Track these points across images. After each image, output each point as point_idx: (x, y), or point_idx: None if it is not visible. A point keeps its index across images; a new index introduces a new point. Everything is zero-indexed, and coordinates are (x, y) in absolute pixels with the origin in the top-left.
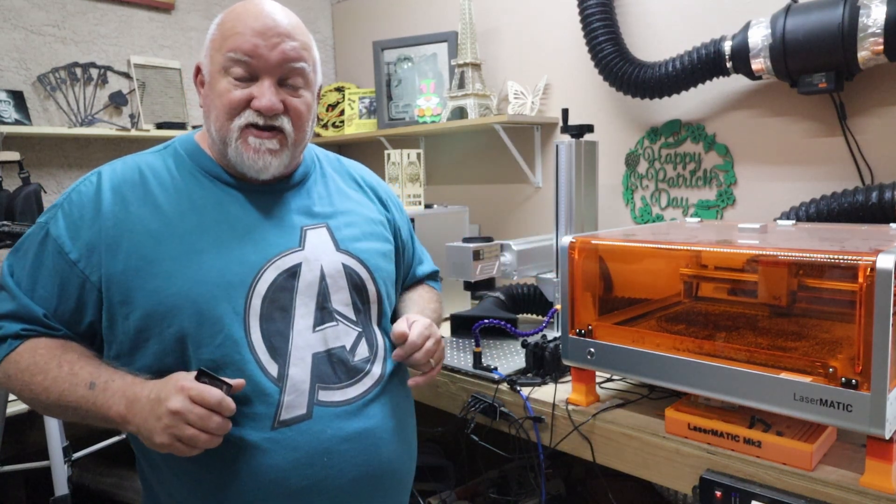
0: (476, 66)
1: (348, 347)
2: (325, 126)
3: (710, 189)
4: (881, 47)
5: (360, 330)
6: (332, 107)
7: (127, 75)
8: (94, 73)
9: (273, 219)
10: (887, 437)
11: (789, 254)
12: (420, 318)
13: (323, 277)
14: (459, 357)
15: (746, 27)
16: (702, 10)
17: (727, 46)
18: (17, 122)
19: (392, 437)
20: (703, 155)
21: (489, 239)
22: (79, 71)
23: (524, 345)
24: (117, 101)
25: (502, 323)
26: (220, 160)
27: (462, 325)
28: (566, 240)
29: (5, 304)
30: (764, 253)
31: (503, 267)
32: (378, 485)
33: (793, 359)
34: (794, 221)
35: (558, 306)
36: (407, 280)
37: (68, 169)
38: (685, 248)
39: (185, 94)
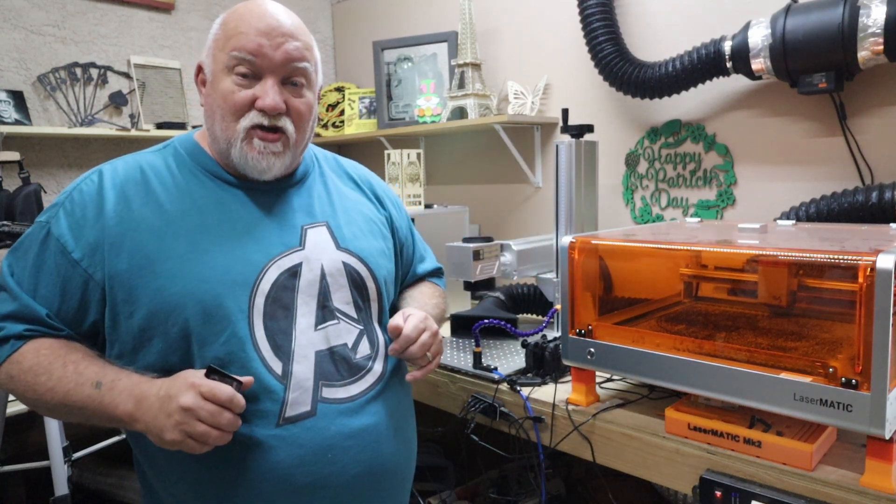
0: (476, 66)
1: (350, 345)
2: (325, 126)
3: (710, 189)
4: (881, 47)
5: (361, 328)
6: (332, 107)
7: (127, 75)
8: (94, 73)
9: (274, 218)
10: (887, 437)
11: (789, 254)
12: (416, 311)
13: (323, 276)
14: (459, 357)
15: (746, 27)
16: (702, 10)
17: (727, 46)
18: (17, 122)
19: (394, 434)
20: (703, 155)
21: (489, 239)
22: (79, 71)
23: (524, 345)
24: (117, 101)
25: (502, 323)
26: (221, 159)
27: (462, 325)
28: (566, 240)
29: (6, 305)
30: (764, 253)
31: (503, 267)
32: (380, 481)
33: (793, 359)
34: (794, 221)
35: (558, 306)
36: (408, 278)
37: (68, 169)
38: (685, 248)
39: (185, 94)
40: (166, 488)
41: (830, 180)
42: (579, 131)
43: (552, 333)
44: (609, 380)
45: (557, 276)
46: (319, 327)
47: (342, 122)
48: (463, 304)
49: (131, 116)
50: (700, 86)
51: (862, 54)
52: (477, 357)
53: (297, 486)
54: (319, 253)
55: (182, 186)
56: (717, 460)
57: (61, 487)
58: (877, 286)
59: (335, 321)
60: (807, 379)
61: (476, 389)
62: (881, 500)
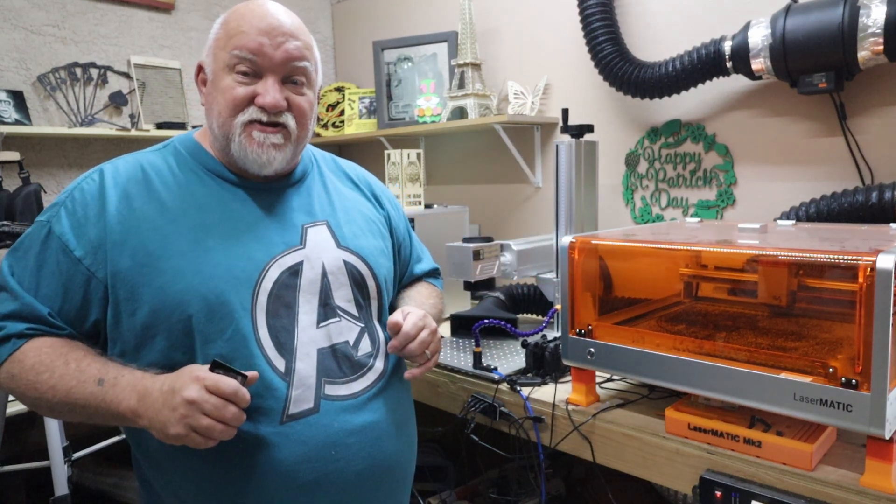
0: (476, 66)
1: (351, 343)
2: (325, 126)
3: (710, 189)
4: (881, 47)
5: (362, 325)
6: (332, 107)
7: (127, 75)
8: (94, 73)
9: (275, 216)
10: (887, 437)
11: (789, 254)
12: (415, 310)
13: (325, 274)
14: (459, 357)
15: (746, 27)
16: (702, 10)
17: (727, 46)
18: (17, 122)
19: (395, 431)
20: (703, 155)
21: (489, 239)
22: (79, 71)
23: (524, 345)
24: (117, 101)
25: (502, 323)
26: (222, 158)
27: (462, 325)
28: (566, 240)
29: (7, 304)
30: (764, 253)
31: (503, 267)
32: (383, 477)
33: (793, 359)
34: (794, 221)
35: (558, 306)
36: (405, 278)
37: (68, 169)
38: (685, 248)
39: (185, 94)
40: (168, 488)
41: (830, 180)
42: (579, 131)
43: (552, 333)
44: (609, 380)
45: (557, 276)
46: (321, 325)
47: (342, 122)
48: (463, 304)
49: (131, 116)
50: (700, 86)
51: (862, 54)
52: (477, 357)
53: (301, 482)
54: (320, 251)
55: (183, 185)
56: (717, 460)
57: (61, 487)
58: (877, 286)
59: (337, 319)
60: (807, 379)
61: (476, 389)
62: (881, 500)
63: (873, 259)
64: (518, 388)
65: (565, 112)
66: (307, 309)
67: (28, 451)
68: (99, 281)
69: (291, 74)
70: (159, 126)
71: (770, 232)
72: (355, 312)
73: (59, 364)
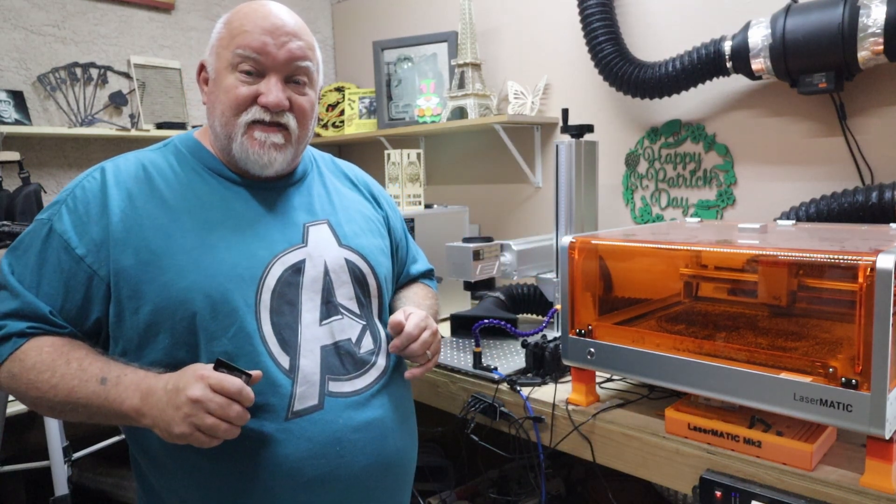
0: (476, 66)
1: (354, 340)
2: (325, 126)
3: (710, 189)
4: (881, 47)
5: (364, 323)
6: (332, 107)
7: (127, 75)
8: (94, 73)
9: (276, 215)
10: (887, 437)
11: (789, 254)
12: (416, 310)
13: (327, 272)
14: (459, 357)
15: (746, 27)
16: (702, 10)
17: (727, 46)
18: (17, 122)
19: (398, 427)
20: (703, 155)
21: (489, 239)
22: (79, 71)
23: (524, 345)
24: (117, 101)
25: (502, 323)
26: (223, 157)
27: (462, 325)
28: (566, 240)
29: (8, 303)
30: (764, 253)
31: (503, 267)
32: (386, 473)
33: (793, 359)
34: (794, 221)
35: (558, 306)
36: (401, 278)
37: (68, 169)
38: (685, 248)
39: (185, 94)
40: (170, 488)
41: (830, 180)
42: (579, 131)
43: (552, 333)
44: (609, 380)
45: (557, 276)
46: (324, 322)
47: (342, 122)
48: (463, 304)
49: (131, 116)
50: (700, 86)
51: (862, 54)
52: (477, 357)
53: (307, 479)
54: (322, 250)
55: (185, 183)
56: (717, 460)
57: (61, 487)
58: (877, 286)
59: (339, 316)
60: (807, 379)
61: (476, 389)
62: (881, 500)
63: (873, 259)
64: (518, 388)
65: (565, 112)
66: (310, 306)
67: (28, 451)
68: (101, 279)
69: (294, 74)
70: (159, 126)
71: (770, 232)
72: (357, 310)
73: (60, 363)
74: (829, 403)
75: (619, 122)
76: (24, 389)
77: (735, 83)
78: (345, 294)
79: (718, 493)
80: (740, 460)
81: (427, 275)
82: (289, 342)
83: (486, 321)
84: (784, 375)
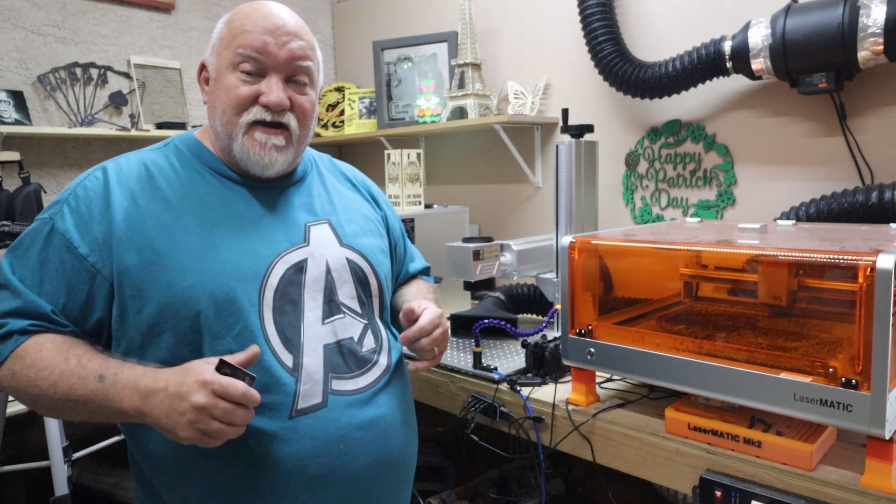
0: (476, 66)
1: (356, 338)
2: (325, 126)
3: (710, 189)
4: (881, 47)
5: (365, 322)
6: (332, 107)
7: (127, 75)
8: (94, 73)
9: (277, 215)
10: (887, 437)
11: (789, 254)
12: (432, 306)
13: (329, 272)
14: (459, 357)
15: (746, 27)
16: (702, 10)
17: (727, 46)
18: (17, 122)
19: (400, 425)
20: (703, 155)
21: (489, 239)
22: (79, 71)
23: (524, 345)
24: (117, 101)
25: (502, 323)
26: (224, 156)
27: (462, 325)
28: (566, 240)
29: (9, 302)
30: (764, 253)
31: (503, 267)
32: (389, 470)
33: (793, 359)
34: (794, 221)
35: (558, 306)
36: (400, 277)
37: (68, 169)
38: (685, 248)
39: (185, 94)
40: (171, 487)
41: (830, 180)
42: (579, 131)
43: (552, 333)
44: (609, 380)
45: (557, 276)
46: (326, 321)
47: (342, 122)
48: (463, 304)
49: (131, 116)
50: (700, 86)
51: (862, 54)
52: (477, 357)
53: (311, 477)
54: (324, 249)
55: (186, 183)
56: (717, 460)
57: (61, 487)
58: (877, 286)
59: (341, 315)
60: (807, 379)
61: (476, 389)
62: (881, 500)
63: (873, 259)
64: (518, 388)
65: (565, 112)
66: (312, 305)
67: (28, 451)
68: (104, 278)
69: (295, 74)
70: (159, 126)
71: (770, 232)
72: (359, 309)
73: (59, 361)
74: (829, 403)
75: (619, 122)
76: (24, 387)
77: (735, 83)
78: (346, 293)
79: (718, 493)
80: (740, 460)
81: (425, 272)
82: (292, 341)
83: (486, 321)
84: (784, 375)
